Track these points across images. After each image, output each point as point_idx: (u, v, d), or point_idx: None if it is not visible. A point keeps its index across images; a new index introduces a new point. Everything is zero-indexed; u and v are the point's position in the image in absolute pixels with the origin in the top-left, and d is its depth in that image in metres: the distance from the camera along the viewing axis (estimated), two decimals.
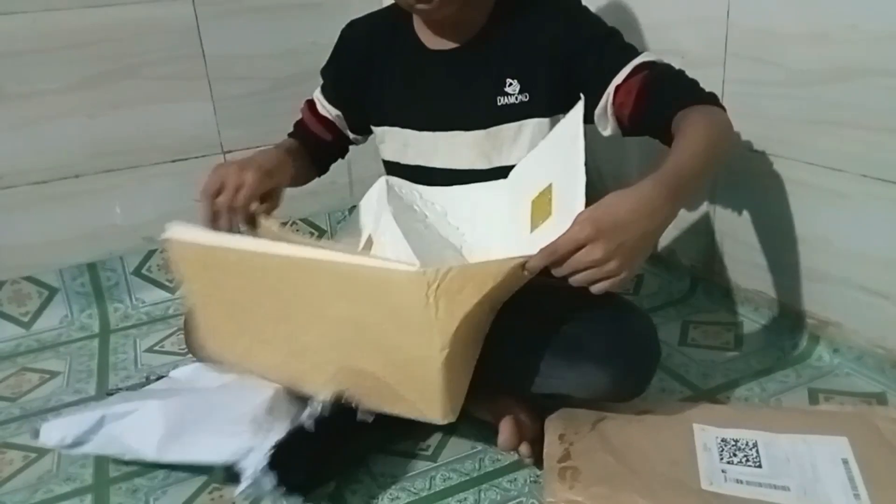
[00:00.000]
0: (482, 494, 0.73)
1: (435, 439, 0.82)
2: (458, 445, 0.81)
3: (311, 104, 1.04)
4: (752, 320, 0.99)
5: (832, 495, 0.65)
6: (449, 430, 0.83)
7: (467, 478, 0.76)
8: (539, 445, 0.74)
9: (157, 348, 1.11)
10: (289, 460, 0.68)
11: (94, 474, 0.81)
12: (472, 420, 0.83)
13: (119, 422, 0.78)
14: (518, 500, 0.72)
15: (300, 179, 1.02)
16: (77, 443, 0.78)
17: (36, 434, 0.81)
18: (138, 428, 0.76)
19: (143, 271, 1.26)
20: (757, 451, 0.71)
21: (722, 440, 0.73)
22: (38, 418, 0.94)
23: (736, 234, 1.01)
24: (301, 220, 1.36)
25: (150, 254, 1.26)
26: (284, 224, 0.95)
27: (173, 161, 1.27)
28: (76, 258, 1.22)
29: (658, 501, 0.64)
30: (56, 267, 1.21)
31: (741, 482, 0.68)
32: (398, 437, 0.81)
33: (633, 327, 0.78)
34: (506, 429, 0.77)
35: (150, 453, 0.75)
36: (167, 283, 1.26)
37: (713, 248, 1.05)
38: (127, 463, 0.80)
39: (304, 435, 0.70)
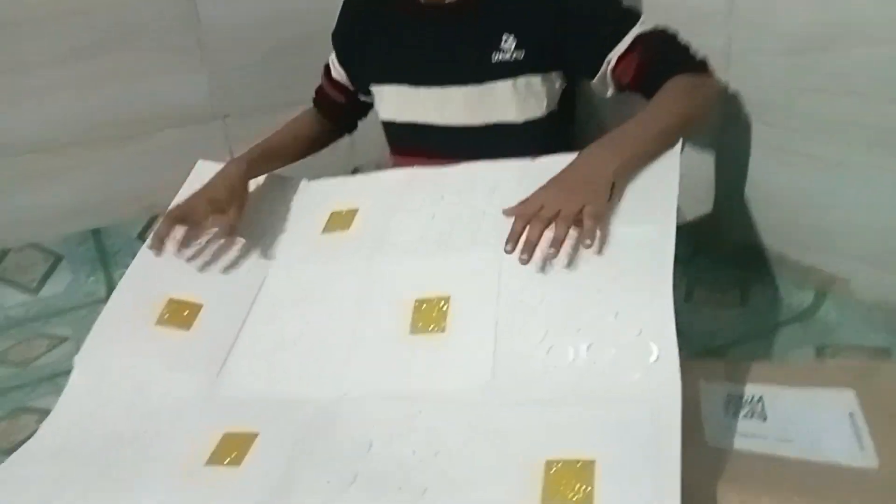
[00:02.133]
0: None
1: None
2: None
3: (326, 68, 1.07)
4: (757, 277, 0.99)
5: (837, 448, 0.66)
6: None
7: None
8: None
9: None
10: None
11: None
12: None
13: None
14: None
15: (311, 150, 1.08)
16: None
17: None
18: None
19: (146, 236, 1.25)
20: (762, 406, 0.72)
21: (727, 396, 0.73)
22: (50, 383, 0.95)
23: (741, 193, 1.00)
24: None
25: (152, 220, 1.26)
26: None
27: (171, 129, 1.26)
28: (80, 226, 1.22)
29: None
30: (61, 234, 1.21)
31: (746, 436, 0.68)
32: None
33: None
34: None
35: None
36: None
37: (718, 206, 1.04)
38: None
39: None
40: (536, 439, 0.63)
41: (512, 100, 0.90)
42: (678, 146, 0.80)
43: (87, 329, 1.07)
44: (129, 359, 0.82)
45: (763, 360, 0.84)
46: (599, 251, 0.72)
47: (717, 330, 0.91)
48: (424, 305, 0.76)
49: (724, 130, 0.99)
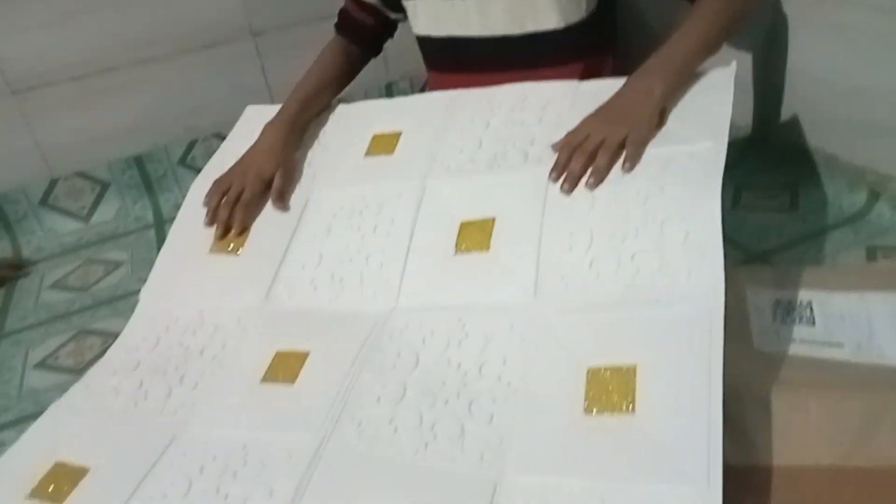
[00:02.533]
0: None
1: None
2: None
3: None
4: (808, 179, 0.96)
5: (887, 350, 0.66)
6: None
7: None
8: None
9: None
10: None
11: None
12: None
13: None
14: None
15: (344, 85, 1.06)
16: None
17: None
18: None
19: (188, 161, 1.27)
20: (811, 311, 0.71)
21: (776, 301, 0.73)
22: (109, 306, 0.99)
23: (789, 90, 0.96)
24: (338, 100, 1.34)
25: (192, 144, 1.27)
26: None
27: (204, 48, 1.25)
28: (123, 152, 1.24)
29: None
30: (105, 161, 1.23)
31: (795, 341, 0.68)
32: None
33: None
34: None
35: None
36: None
37: (765, 106, 1.01)
38: None
39: None
40: (581, 346, 0.64)
41: (552, 6, 0.86)
42: (733, 66, 0.78)
43: (140, 253, 1.12)
44: (189, 285, 0.86)
45: (812, 264, 0.83)
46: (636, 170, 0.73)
47: (765, 234, 0.89)
48: (469, 227, 0.77)
49: (770, 25, 0.94)
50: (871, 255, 0.83)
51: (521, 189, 0.77)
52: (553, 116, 0.83)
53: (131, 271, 1.07)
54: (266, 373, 0.73)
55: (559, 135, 0.79)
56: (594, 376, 0.60)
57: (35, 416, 0.79)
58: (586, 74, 0.91)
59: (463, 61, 0.98)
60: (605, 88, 0.81)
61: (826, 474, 0.57)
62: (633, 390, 0.58)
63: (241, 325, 0.78)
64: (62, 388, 0.82)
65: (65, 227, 1.20)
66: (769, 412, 0.60)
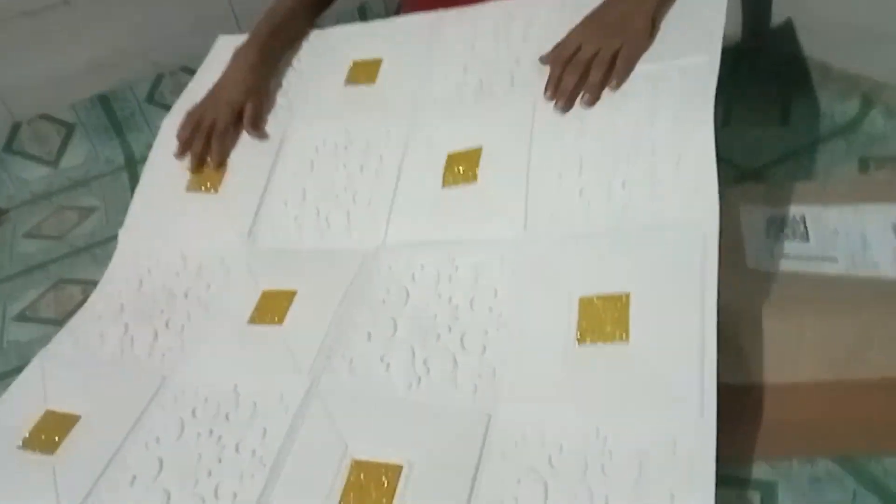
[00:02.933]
0: None
1: None
2: None
3: None
4: (799, 91, 0.94)
5: (881, 262, 0.65)
6: None
7: None
8: None
9: None
10: None
11: None
12: None
13: None
14: None
15: (321, 10, 0.99)
16: None
17: None
18: None
19: (156, 98, 1.22)
20: (805, 226, 0.70)
21: (769, 218, 0.72)
22: (87, 253, 0.97)
23: None
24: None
25: (159, 79, 1.21)
26: None
27: None
28: (87, 91, 1.18)
29: None
30: (68, 102, 1.18)
31: (789, 257, 0.68)
32: None
33: None
34: None
35: None
36: None
37: (755, 14, 0.97)
38: None
39: None
40: (572, 276, 0.63)
41: None
42: None
43: (114, 197, 1.08)
44: (168, 225, 0.84)
45: (805, 179, 0.82)
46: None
47: (757, 150, 0.88)
48: (456, 158, 0.74)
49: None
50: (864, 166, 0.81)
51: (508, 116, 0.75)
52: (539, 32, 0.79)
53: (106, 217, 1.04)
54: (253, 314, 0.71)
55: (546, 51, 0.76)
56: (586, 306, 0.59)
57: (19, 369, 0.77)
58: None
59: None
60: (593, 1, 0.77)
61: (821, 389, 0.57)
62: (627, 319, 0.57)
63: (224, 266, 0.77)
64: (45, 340, 0.81)
65: (32, 174, 1.16)
66: (763, 330, 0.60)
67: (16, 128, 1.16)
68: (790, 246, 0.69)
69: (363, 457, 0.57)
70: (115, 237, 0.97)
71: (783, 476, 0.54)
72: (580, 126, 0.71)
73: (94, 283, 0.88)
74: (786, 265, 0.67)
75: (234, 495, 0.57)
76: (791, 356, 0.59)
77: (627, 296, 0.59)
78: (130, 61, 1.19)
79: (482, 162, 0.73)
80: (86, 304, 0.79)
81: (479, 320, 0.63)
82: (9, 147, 1.15)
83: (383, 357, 0.63)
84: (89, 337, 0.75)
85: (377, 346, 0.64)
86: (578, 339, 0.58)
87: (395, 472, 0.55)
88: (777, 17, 0.94)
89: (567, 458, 0.52)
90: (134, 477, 0.61)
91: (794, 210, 0.72)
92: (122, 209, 1.03)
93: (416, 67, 0.84)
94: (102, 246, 0.97)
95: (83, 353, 0.73)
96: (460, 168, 0.74)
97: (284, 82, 0.91)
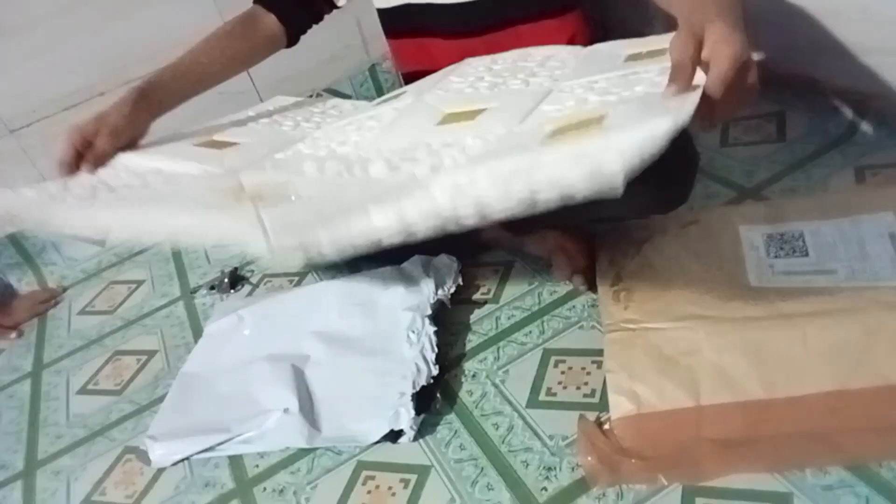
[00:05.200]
0: (545, 325, 0.79)
1: (493, 283, 0.87)
2: (515, 285, 0.86)
3: None
4: (793, 106, 0.97)
5: (879, 270, 0.68)
6: (504, 272, 0.88)
7: (529, 312, 0.81)
8: (591, 272, 0.78)
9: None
10: (421, 395, 0.72)
11: (233, 476, 0.74)
12: (525, 258, 0.88)
13: (247, 440, 0.76)
14: (579, 324, 0.77)
15: (241, 68, 0.96)
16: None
17: (147, 460, 0.78)
18: (273, 440, 0.75)
19: None
20: (803, 241, 0.73)
21: (768, 236, 0.75)
22: (139, 325, 1.03)
23: (766, 16, 0.95)
24: (325, 90, 1.35)
25: None
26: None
27: None
28: None
29: (709, 306, 0.68)
30: None
31: (789, 273, 0.71)
32: (460, 287, 0.86)
33: None
34: (558, 261, 0.81)
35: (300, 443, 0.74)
36: None
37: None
38: (262, 455, 0.75)
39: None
40: (546, 120, 0.63)
41: None
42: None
43: (159, 268, 1.16)
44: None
45: (803, 193, 0.84)
46: None
47: (755, 168, 0.91)
48: (454, 115, 0.74)
49: None
50: (860, 175, 0.84)
51: (519, 95, 0.74)
52: (556, 64, 0.82)
53: (153, 288, 1.11)
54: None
55: (562, 73, 0.76)
56: (559, 129, 0.58)
57: (86, 440, 0.84)
58: (558, 31, 0.90)
59: (428, 28, 0.95)
60: (610, 45, 0.78)
61: (828, 399, 0.60)
62: (601, 119, 0.55)
63: (195, 180, 0.77)
64: (107, 410, 0.88)
65: (83, 254, 1.24)
66: (767, 347, 0.63)
67: None
68: (790, 262, 0.72)
69: None
70: (161, 307, 1.05)
71: (798, 487, 0.56)
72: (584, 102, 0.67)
73: (148, 353, 0.96)
74: (787, 281, 0.70)
75: None
76: (797, 369, 0.61)
77: (602, 116, 0.56)
78: (160, 141, 1.27)
79: (481, 115, 0.72)
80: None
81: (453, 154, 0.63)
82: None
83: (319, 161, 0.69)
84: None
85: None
86: (545, 139, 0.56)
87: None
88: (765, 37, 0.98)
89: None
90: None
91: (793, 226, 0.76)
92: (168, 279, 1.12)
93: (433, 81, 0.86)
94: (151, 316, 1.04)
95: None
96: (458, 118, 0.73)
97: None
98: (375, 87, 1.36)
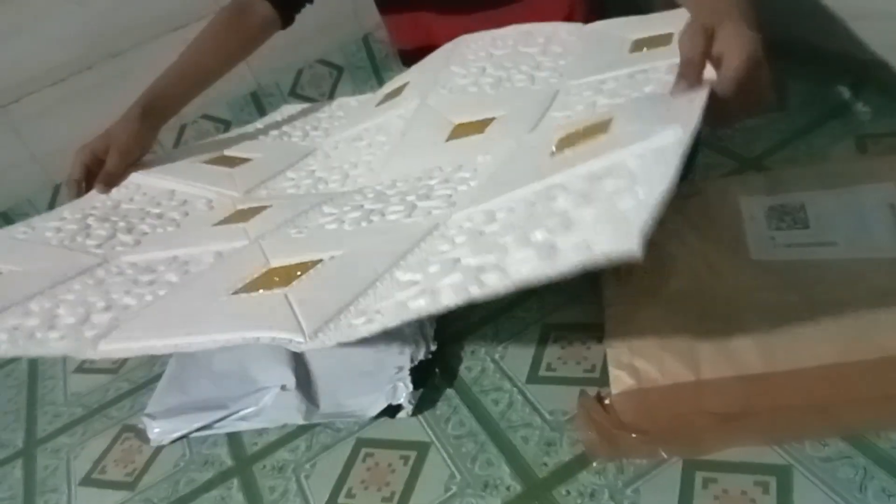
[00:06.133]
0: (545, 300, 0.78)
1: None
2: None
3: None
4: (793, 74, 0.95)
5: (879, 241, 0.67)
6: None
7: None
8: None
9: None
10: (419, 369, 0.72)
11: (232, 454, 0.74)
12: None
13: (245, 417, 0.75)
14: (579, 299, 0.76)
15: (236, 61, 0.95)
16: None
17: (146, 438, 0.77)
18: (270, 417, 0.74)
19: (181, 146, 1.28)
20: (804, 213, 0.73)
21: (769, 208, 0.74)
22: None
23: None
24: (317, 61, 1.33)
25: (182, 128, 1.28)
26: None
27: (175, 30, 1.24)
28: None
29: (710, 279, 0.68)
30: None
31: (790, 246, 0.70)
32: None
33: None
34: None
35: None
36: None
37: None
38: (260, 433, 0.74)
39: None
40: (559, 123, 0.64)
41: None
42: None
43: None
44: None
45: (804, 163, 0.83)
46: None
47: (755, 138, 0.89)
48: (464, 126, 0.74)
49: None
50: (861, 144, 0.83)
51: (528, 97, 0.73)
52: (558, 49, 0.80)
53: None
54: (221, 220, 0.75)
55: (567, 63, 0.75)
56: (567, 137, 0.58)
57: (84, 418, 0.84)
58: (557, 9, 0.89)
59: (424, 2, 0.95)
60: (611, 26, 0.77)
61: (829, 372, 0.60)
62: (607, 124, 0.55)
63: (210, 204, 0.79)
64: (104, 389, 0.88)
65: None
66: (768, 320, 0.63)
67: (56, 189, 1.23)
68: (791, 234, 0.71)
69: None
70: None
71: (796, 459, 0.56)
72: (593, 107, 0.68)
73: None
74: (787, 253, 0.70)
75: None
76: (797, 342, 0.61)
77: (610, 120, 0.56)
78: None
79: (491, 125, 0.71)
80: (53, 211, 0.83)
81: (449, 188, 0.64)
82: (52, 207, 1.23)
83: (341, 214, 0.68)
84: (44, 226, 0.79)
85: (335, 209, 0.69)
86: (554, 151, 0.57)
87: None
88: (765, 2, 0.96)
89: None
90: None
91: (794, 197, 0.75)
92: None
93: (433, 73, 0.86)
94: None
95: (31, 236, 0.77)
96: (467, 130, 0.73)
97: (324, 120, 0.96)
98: (369, 57, 1.34)
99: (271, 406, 0.74)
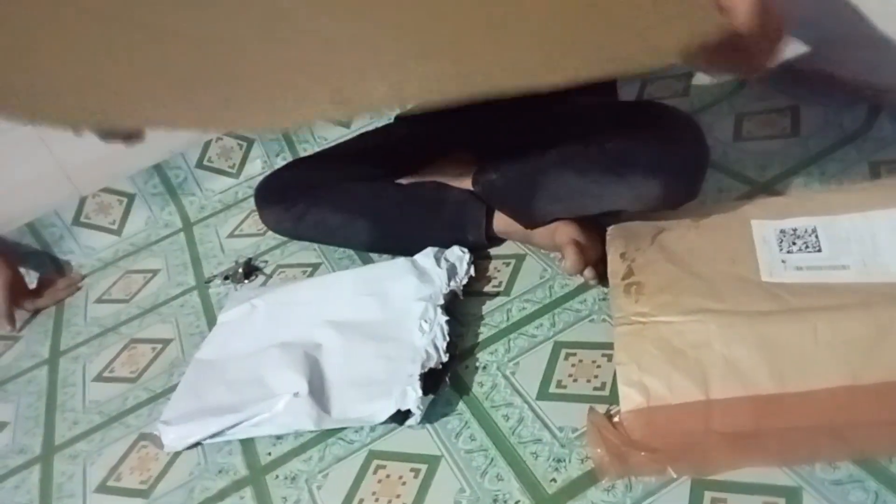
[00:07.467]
0: (556, 318, 0.79)
1: (504, 276, 0.88)
2: (526, 278, 0.86)
3: None
4: (808, 101, 0.96)
5: (891, 265, 0.67)
6: (516, 264, 0.88)
7: (540, 305, 0.81)
8: (602, 265, 0.78)
9: (236, 233, 1.19)
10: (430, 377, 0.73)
11: (246, 463, 0.75)
12: (536, 251, 0.88)
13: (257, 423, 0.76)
14: (590, 317, 0.78)
15: None
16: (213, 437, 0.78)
17: (161, 445, 0.78)
18: (283, 423, 0.76)
19: (205, 162, 1.31)
20: (816, 236, 0.73)
21: (781, 231, 0.75)
22: (154, 313, 1.05)
23: (780, 9, 0.95)
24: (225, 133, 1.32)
25: (208, 145, 1.31)
26: None
27: None
28: (142, 162, 1.28)
29: (720, 300, 0.68)
30: (127, 174, 1.28)
31: (801, 269, 0.70)
32: (472, 279, 0.87)
33: (677, 131, 0.79)
34: (569, 254, 0.81)
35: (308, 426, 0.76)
36: (229, 170, 1.32)
37: None
38: (274, 443, 0.76)
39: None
40: None
41: None
42: None
43: (174, 258, 1.17)
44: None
45: (817, 188, 0.84)
46: None
47: (769, 163, 0.90)
48: None
49: None
50: (875, 170, 0.83)
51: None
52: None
53: (168, 277, 1.13)
54: None
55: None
56: None
57: (102, 426, 0.86)
58: None
59: None
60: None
61: (839, 394, 0.60)
62: None
63: None
64: (123, 397, 0.89)
65: (100, 243, 1.26)
66: (778, 341, 0.63)
67: (82, 202, 1.26)
68: (803, 257, 0.72)
69: None
70: (177, 296, 1.06)
71: (807, 481, 0.56)
72: None
73: (163, 341, 0.97)
74: (799, 276, 0.70)
75: None
76: (807, 364, 0.61)
77: None
78: (179, 133, 1.28)
79: None
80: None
81: None
82: (77, 220, 1.26)
83: None
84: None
85: None
86: None
87: None
88: None
89: None
90: None
91: (806, 221, 0.75)
92: (183, 269, 1.13)
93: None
94: (167, 304, 1.06)
95: None
96: None
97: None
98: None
99: (283, 412, 0.75)
